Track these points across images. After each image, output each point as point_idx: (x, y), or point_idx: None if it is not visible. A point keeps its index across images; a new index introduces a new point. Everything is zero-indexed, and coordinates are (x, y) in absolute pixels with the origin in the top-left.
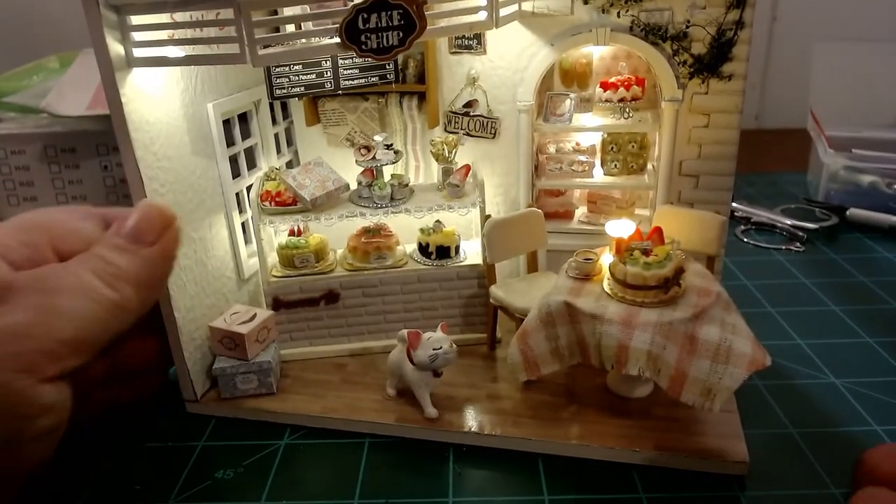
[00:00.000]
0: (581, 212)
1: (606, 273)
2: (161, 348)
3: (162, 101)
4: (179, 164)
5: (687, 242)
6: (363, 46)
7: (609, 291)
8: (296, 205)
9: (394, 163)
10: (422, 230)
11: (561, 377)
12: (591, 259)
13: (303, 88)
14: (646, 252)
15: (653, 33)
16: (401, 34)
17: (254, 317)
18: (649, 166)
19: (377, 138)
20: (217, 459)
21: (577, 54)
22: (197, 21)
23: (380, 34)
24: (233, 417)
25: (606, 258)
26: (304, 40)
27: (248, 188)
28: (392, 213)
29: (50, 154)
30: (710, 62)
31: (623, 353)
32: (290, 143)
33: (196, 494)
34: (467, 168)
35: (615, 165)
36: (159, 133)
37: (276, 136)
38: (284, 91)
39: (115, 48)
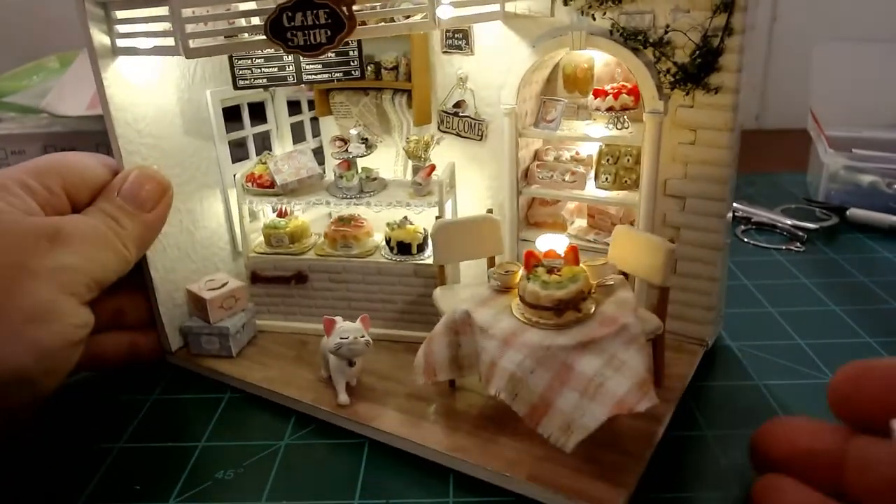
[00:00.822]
0: (577, 225)
1: (512, 296)
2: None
3: (152, 86)
4: (168, 143)
5: (635, 268)
6: (289, 43)
7: (512, 307)
8: (273, 188)
9: (364, 156)
10: (388, 225)
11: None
12: (510, 271)
13: (266, 80)
14: (551, 271)
15: (632, 38)
16: (329, 32)
17: (224, 285)
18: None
19: (352, 131)
20: (214, 459)
21: (578, 59)
22: (152, 17)
23: (306, 32)
24: (191, 370)
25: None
26: (237, 35)
27: None
28: (355, 204)
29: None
30: (694, 72)
31: (491, 370)
32: (316, 132)
33: (196, 495)
34: (431, 167)
35: (606, 179)
36: (145, 114)
37: (302, 123)
38: (247, 82)
39: (101, 38)
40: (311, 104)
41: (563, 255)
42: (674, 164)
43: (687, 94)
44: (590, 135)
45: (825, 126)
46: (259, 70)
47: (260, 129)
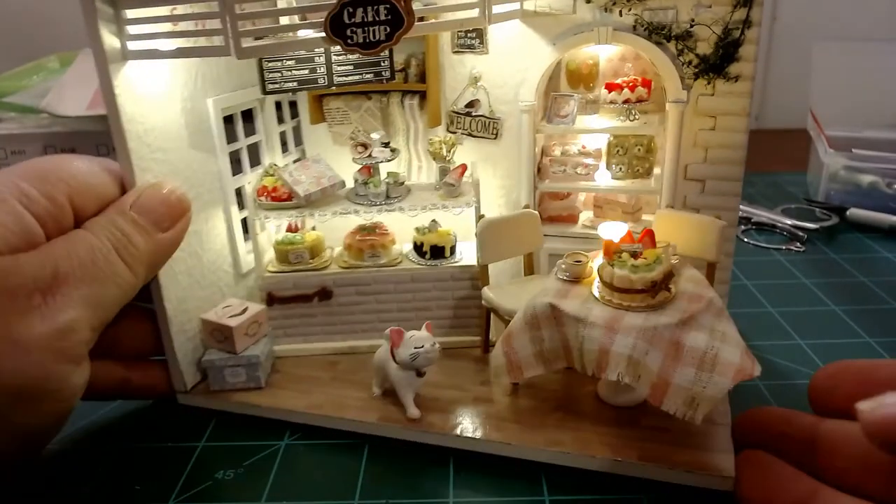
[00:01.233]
0: (585, 216)
1: (596, 276)
2: (154, 333)
3: (159, 94)
4: (176, 156)
5: (685, 248)
6: (349, 41)
7: (597, 295)
8: (290, 200)
9: (389, 160)
10: (417, 229)
11: (551, 383)
12: (580, 261)
13: (296, 83)
14: (635, 255)
15: (656, 32)
16: (388, 29)
17: (245, 310)
18: (656, 170)
19: (374, 136)
20: (214, 459)
21: (583, 55)
22: (188, 14)
23: (366, 28)
24: (219, 410)
25: (598, 261)
26: (291, 34)
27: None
28: (386, 210)
29: (50, 154)
30: (716, 62)
31: (604, 357)
32: (298, 142)
33: (196, 495)
34: (463, 167)
35: (620, 169)
36: (154, 125)
37: (284, 133)
38: (277, 86)
39: (110, 41)
40: (294, 110)
41: (639, 239)
42: (694, 150)
43: (709, 83)
44: (605, 126)
45: (825, 126)
46: (289, 73)
47: (252, 140)
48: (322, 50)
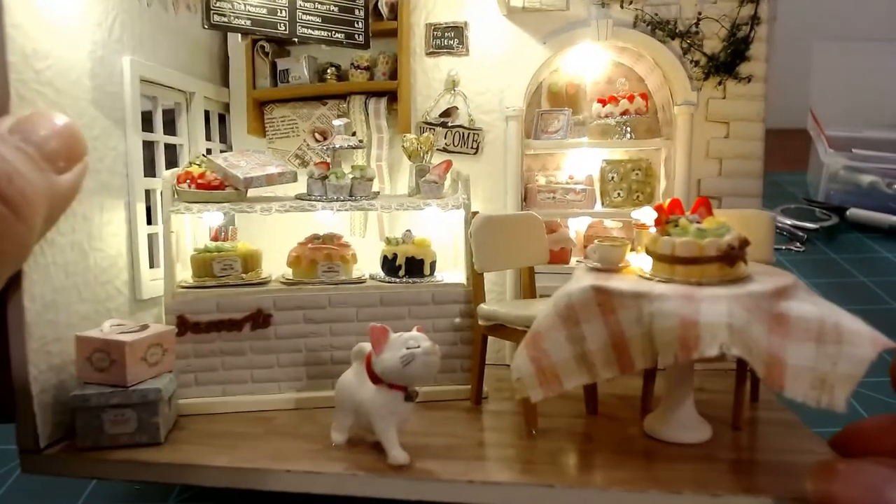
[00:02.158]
0: (573, 258)
1: (637, 269)
2: None
3: (64, 18)
4: (71, 105)
5: None
6: None
7: (648, 275)
8: (223, 189)
9: (356, 148)
10: (388, 240)
11: (577, 426)
12: (616, 245)
13: (248, 23)
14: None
15: (660, 28)
16: None
17: (144, 328)
18: (658, 196)
19: (336, 123)
20: None
21: (567, 77)
22: None
23: None
24: (92, 478)
25: (632, 257)
26: None
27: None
28: (353, 207)
29: None
30: (727, 61)
31: (690, 331)
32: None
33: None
34: (448, 164)
35: (618, 194)
36: (48, 53)
37: (210, 152)
38: (225, 20)
39: None
40: (223, 134)
41: (693, 209)
42: (707, 162)
43: (719, 83)
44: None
45: (825, 126)
46: (243, 6)
47: (172, 139)
48: None
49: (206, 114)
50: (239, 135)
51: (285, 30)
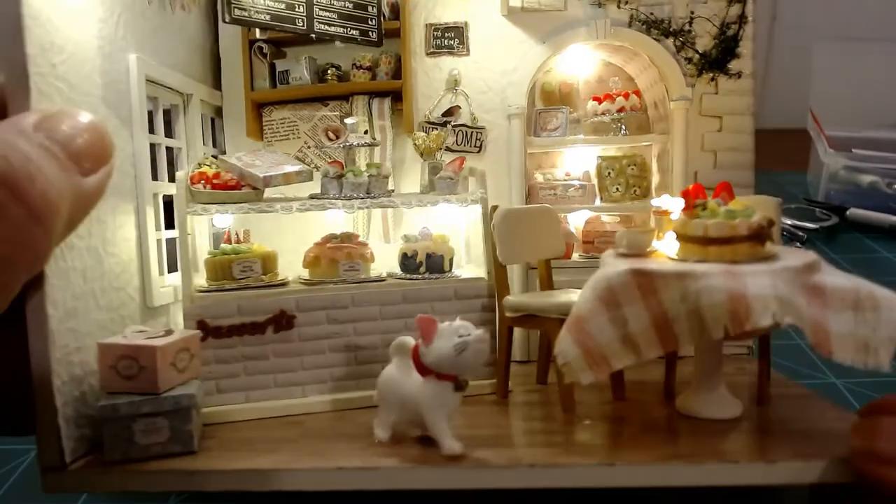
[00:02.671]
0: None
1: (664, 255)
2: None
3: (75, 13)
4: (85, 103)
5: None
6: None
7: (678, 259)
8: (240, 189)
9: (371, 146)
10: (406, 237)
11: (610, 409)
12: (645, 231)
13: (268, 18)
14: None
15: (655, 27)
16: None
17: (169, 333)
18: (653, 190)
19: (349, 121)
20: None
21: (561, 77)
22: None
23: None
24: (124, 492)
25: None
26: None
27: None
28: (372, 204)
29: None
30: (718, 57)
31: (740, 304)
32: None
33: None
34: (461, 160)
35: (616, 189)
36: (63, 47)
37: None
38: (245, 14)
39: None
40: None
41: (715, 194)
42: (703, 154)
43: (712, 79)
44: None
45: (825, 126)
46: (262, 1)
47: (171, 142)
48: None
49: (201, 117)
50: (234, 138)
51: (303, 25)
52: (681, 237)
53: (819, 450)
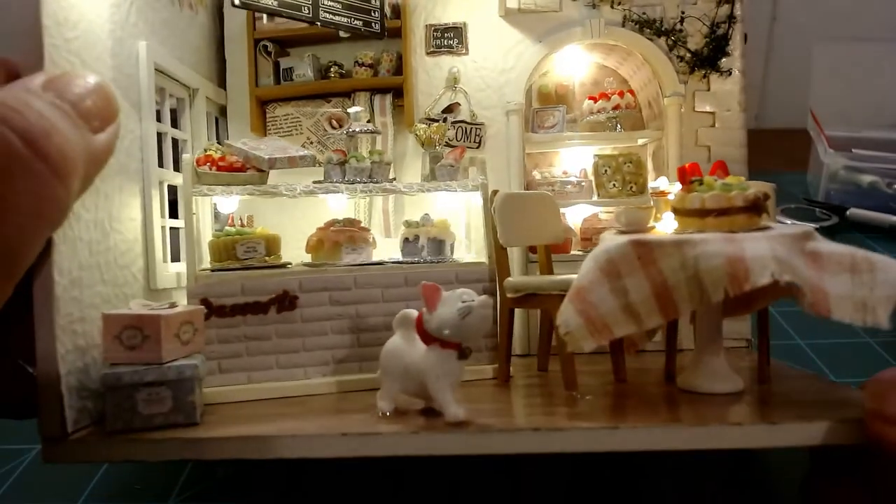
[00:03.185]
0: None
1: (662, 232)
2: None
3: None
4: None
5: None
6: None
7: (681, 228)
8: (245, 171)
9: (374, 133)
10: (407, 223)
11: (612, 389)
12: (641, 208)
13: (275, 3)
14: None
15: (647, 27)
16: None
17: (173, 305)
18: (649, 186)
19: (352, 110)
20: None
21: (557, 79)
22: None
23: None
24: (126, 462)
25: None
26: None
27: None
28: (375, 188)
29: None
30: (709, 56)
31: (739, 266)
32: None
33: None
34: (462, 149)
35: (613, 185)
36: (76, 23)
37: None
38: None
39: None
40: (218, 136)
41: (711, 172)
42: (697, 150)
43: (704, 76)
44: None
45: (825, 126)
46: None
47: (177, 134)
48: None
49: (206, 114)
50: (238, 135)
51: (309, 13)
52: (678, 212)
53: (822, 413)
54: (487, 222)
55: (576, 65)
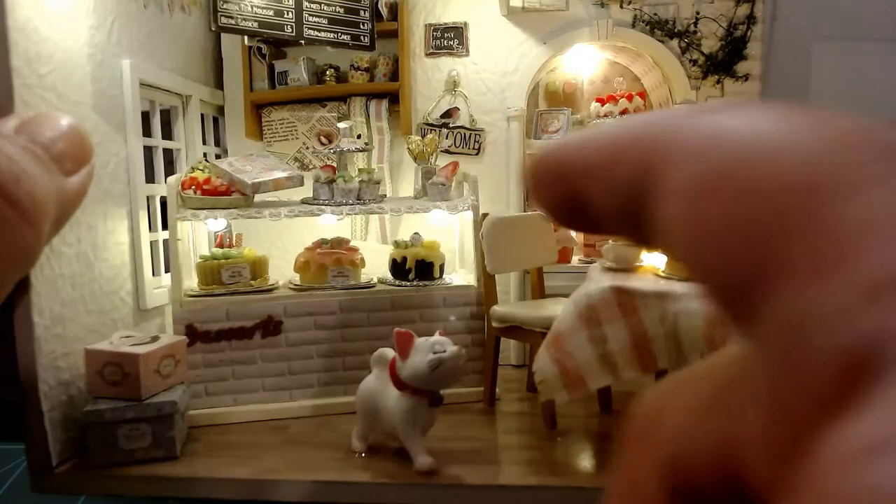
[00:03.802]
0: (575, 257)
1: (652, 268)
2: None
3: (65, 23)
4: (74, 111)
5: None
6: None
7: (665, 274)
8: (230, 195)
9: (363, 151)
10: (396, 244)
11: (595, 423)
12: (631, 244)
13: (255, 25)
14: None
15: (659, 28)
16: None
17: (155, 339)
18: None
19: (341, 125)
20: None
21: (564, 76)
22: None
23: None
24: (108, 496)
25: (645, 255)
26: None
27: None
28: (361, 210)
29: None
30: (725, 59)
31: (717, 329)
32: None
33: None
34: (455, 165)
35: None
36: (51, 56)
37: (205, 156)
38: (233, 22)
39: None
40: (217, 137)
41: None
42: None
43: (718, 82)
44: None
45: None
46: (250, 9)
47: (169, 144)
48: None
49: (202, 117)
50: (235, 138)
51: (292, 31)
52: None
53: None
54: (477, 245)
55: (585, 61)
